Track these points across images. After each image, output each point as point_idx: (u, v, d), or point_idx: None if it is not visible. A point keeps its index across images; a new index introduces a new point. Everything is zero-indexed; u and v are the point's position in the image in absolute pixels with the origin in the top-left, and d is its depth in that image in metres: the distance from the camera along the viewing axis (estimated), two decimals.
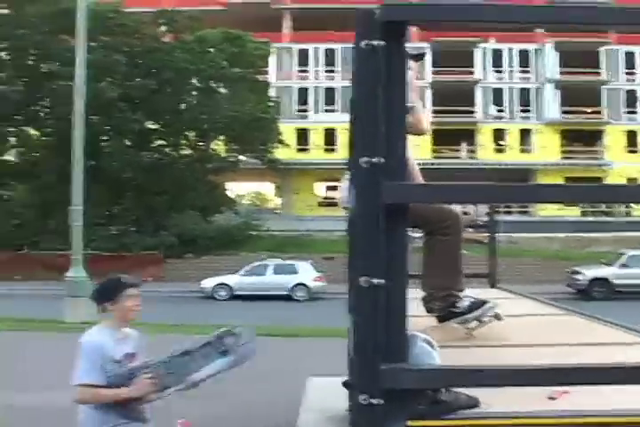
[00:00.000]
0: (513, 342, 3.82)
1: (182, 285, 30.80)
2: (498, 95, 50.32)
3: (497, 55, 50.46)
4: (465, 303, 3.98)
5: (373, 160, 2.12)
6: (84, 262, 20.53)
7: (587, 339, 3.96)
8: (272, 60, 49.64)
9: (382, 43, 2.15)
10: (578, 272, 29.53)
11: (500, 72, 50.86)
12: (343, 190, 4.21)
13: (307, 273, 29.12)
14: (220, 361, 4.21)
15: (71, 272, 19.94)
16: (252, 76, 40.19)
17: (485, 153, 50.24)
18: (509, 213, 46.05)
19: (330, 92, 50.14)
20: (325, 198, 52.13)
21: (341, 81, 49.63)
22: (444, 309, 4.01)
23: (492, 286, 7.69)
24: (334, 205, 51.07)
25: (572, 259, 34.00)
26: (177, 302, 27.41)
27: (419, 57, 4.33)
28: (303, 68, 51.64)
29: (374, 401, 2.10)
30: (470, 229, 29.39)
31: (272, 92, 47.92)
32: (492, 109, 50.81)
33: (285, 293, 28.24)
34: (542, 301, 6.16)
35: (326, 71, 51.21)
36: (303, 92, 51.02)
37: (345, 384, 3.07)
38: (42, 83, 35.98)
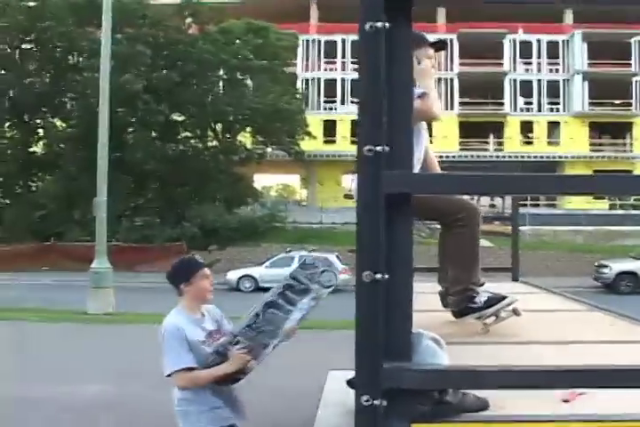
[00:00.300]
0: (530, 339, 3.69)
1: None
2: (526, 87, 49.85)
3: (525, 46, 49.95)
4: (482, 298, 3.86)
5: (377, 149, 2.00)
6: (108, 254, 20.56)
7: (609, 336, 3.83)
8: (299, 51, 49.60)
9: (387, 25, 2.03)
10: (605, 266, 29.21)
11: (529, 64, 50.40)
12: (354, 182, 4.09)
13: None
14: (305, 300, 4.07)
15: (95, 263, 19.99)
16: (278, 67, 40.08)
17: (513, 145, 49.86)
18: (537, 205, 45.80)
19: (356, 84, 49.85)
20: (351, 191, 52.02)
21: None
22: (461, 303, 3.89)
23: (515, 279, 7.52)
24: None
25: (599, 252, 33.65)
26: None
27: (439, 45, 4.19)
28: (330, 60, 51.41)
29: (376, 402, 2.00)
30: (497, 222, 28.86)
31: (298, 84, 48.00)
32: (521, 101, 50.39)
33: None
34: (565, 295, 6.01)
35: (353, 63, 50.97)
36: (330, 84, 50.80)
37: (349, 383, 2.98)
38: (67, 75, 36.14)
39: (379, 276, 2.00)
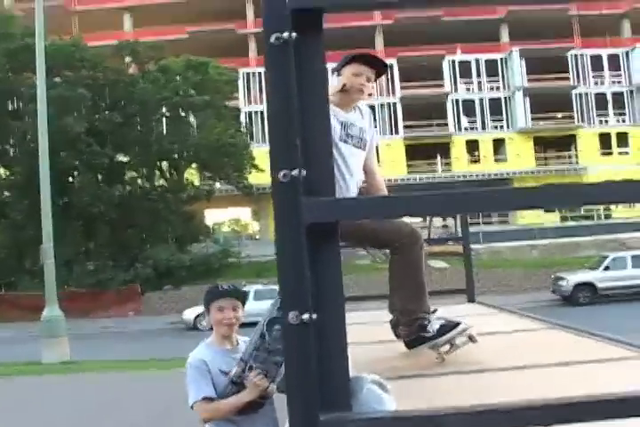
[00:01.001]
0: (491, 366, 3.47)
1: (162, 317, 30.41)
2: (468, 106, 50.30)
3: (464, 66, 50.46)
4: (435, 326, 3.64)
5: (292, 173, 1.78)
6: (60, 301, 20.09)
7: (569, 356, 3.63)
8: (240, 85, 49.59)
9: (294, 35, 1.82)
10: (562, 278, 29.28)
11: (470, 83, 50.89)
12: None
13: None
14: None
15: (46, 311, 19.52)
16: (219, 102, 39.93)
17: (460, 165, 50.18)
18: (489, 223, 46.05)
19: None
20: None
21: None
22: (412, 333, 3.68)
23: (471, 300, 7.31)
24: None
25: (556, 265, 33.79)
26: (160, 335, 27.02)
27: (363, 58, 4.04)
28: None
29: None
30: (450, 242, 28.92)
31: (242, 118, 47.92)
32: (464, 121, 50.81)
33: None
34: (522, 314, 5.82)
35: None
36: None
37: None
38: (7, 121, 35.53)
39: (306, 316, 1.77)
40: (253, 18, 54.01)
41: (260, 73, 50.80)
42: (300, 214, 1.77)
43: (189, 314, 28.66)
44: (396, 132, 50.04)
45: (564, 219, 45.47)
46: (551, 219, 43.46)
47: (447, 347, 3.63)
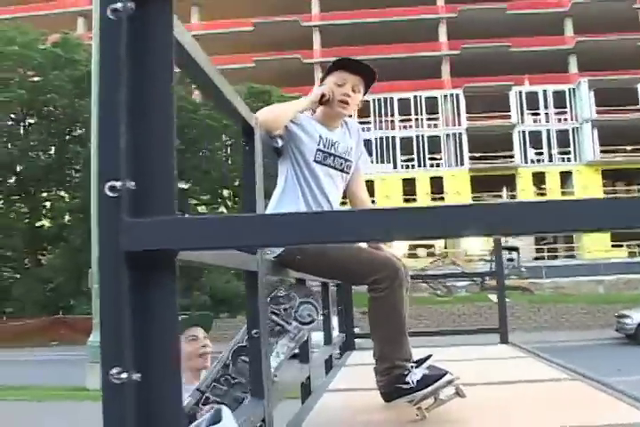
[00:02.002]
0: None
1: (216, 345, 29.99)
2: (535, 138, 49.29)
3: (532, 97, 49.55)
4: (415, 377, 3.12)
5: (117, 185, 1.33)
6: None
7: (575, 418, 3.07)
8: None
9: (132, 5, 1.39)
10: (626, 316, 28.03)
11: (537, 114, 49.94)
12: None
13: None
14: (282, 343, 3.33)
15: (92, 336, 19.39)
16: None
17: (526, 197, 49.08)
18: (555, 257, 44.89)
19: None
20: None
21: (375, 132, 49.35)
22: (389, 384, 3.16)
23: (504, 341, 6.71)
24: None
25: (621, 302, 32.53)
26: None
27: (343, 63, 3.60)
28: None
29: None
30: (513, 277, 28.34)
31: None
32: (531, 153, 49.81)
33: None
34: (551, 360, 5.19)
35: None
36: None
37: None
38: (71, 146, 35.94)
39: (124, 375, 1.31)
40: (320, 47, 54.11)
41: None
42: (118, 240, 1.31)
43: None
44: (462, 163, 49.35)
45: (631, 254, 44.02)
46: (619, 254, 42.11)
47: (430, 401, 3.11)
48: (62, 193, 39.06)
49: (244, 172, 2.82)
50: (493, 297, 33.40)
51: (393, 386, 3.13)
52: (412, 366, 3.17)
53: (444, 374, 3.12)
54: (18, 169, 38.09)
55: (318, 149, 3.50)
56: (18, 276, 38.83)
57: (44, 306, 35.65)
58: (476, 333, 7.27)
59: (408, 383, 3.09)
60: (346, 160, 3.62)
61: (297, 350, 4.10)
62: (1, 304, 38.23)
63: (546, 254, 44.22)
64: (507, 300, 26.13)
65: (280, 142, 3.47)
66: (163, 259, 1.38)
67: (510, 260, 39.56)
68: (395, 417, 3.15)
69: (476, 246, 46.64)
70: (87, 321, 29.49)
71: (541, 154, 49.60)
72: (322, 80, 3.64)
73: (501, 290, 6.91)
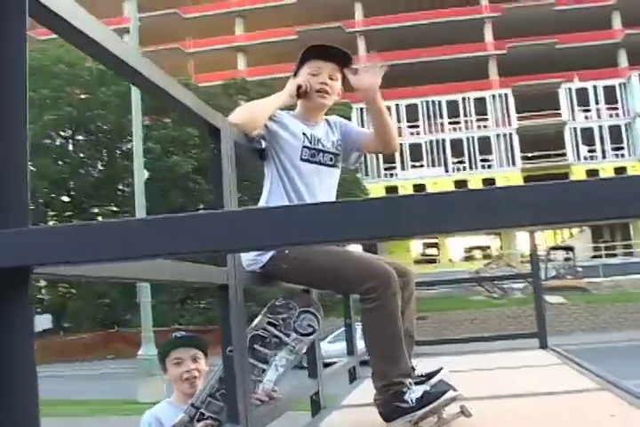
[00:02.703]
0: None
1: None
2: (587, 135, 48.38)
3: (582, 94, 48.68)
4: (415, 394, 2.84)
5: None
6: (158, 339, 20.02)
7: None
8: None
9: None
10: None
11: (588, 111, 49.04)
12: None
13: None
14: (281, 356, 3.13)
15: (142, 350, 19.49)
16: None
17: None
18: (613, 255, 43.97)
19: (415, 148, 49.34)
20: (423, 255, 51.19)
21: (425, 136, 48.97)
22: (387, 403, 2.90)
23: (543, 346, 6.36)
24: (432, 262, 50.00)
25: None
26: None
27: (341, 58, 3.36)
28: None
29: None
30: (570, 276, 27.84)
31: None
32: (584, 150, 48.91)
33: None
34: (588, 368, 4.84)
35: (409, 127, 50.42)
36: None
37: None
38: (119, 161, 36.30)
39: None
40: (365, 52, 53.85)
41: None
42: None
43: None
44: (513, 163, 48.69)
45: None
46: None
47: (433, 420, 2.84)
48: (113, 208, 39.44)
49: (211, 176, 2.63)
50: (550, 298, 32.82)
51: (391, 405, 2.87)
52: (410, 383, 2.90)
53: (446, 391, 2.85)
54: (69, 185, 38.57)
55: (304, 147, 3.26)
56: (73, 291, 39.25)
57: (99, 320, 36.01)
58: (515, 338, 6.94)
59: (407, 402, 2.83)
60: (335, 154, 3.37)
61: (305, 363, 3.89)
62: (58, 320, 38.75)
63: (603, 253, 43.31)
64: (564, 301, 25.69)
65: (263, 144, 3.25)
66: (14, 277, 1.16)
67: (567, 259, 38.89)
68: None
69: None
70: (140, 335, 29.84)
71: (594, 151, 48.68)
72: (295, 74, 3.38)
73: (538, 293, 6.58)
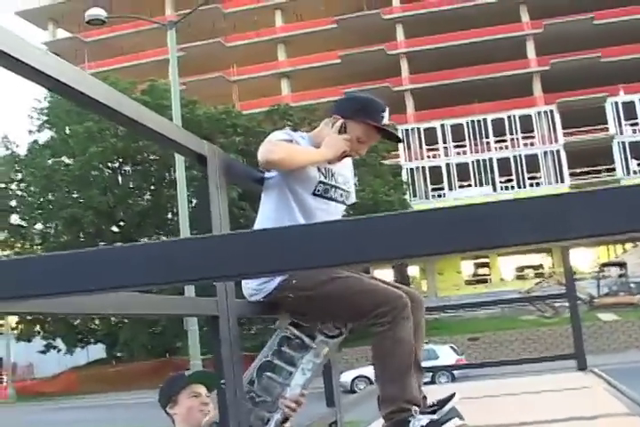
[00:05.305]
0: None
1: (317, 380, 29.84)
2: (636, 149, 47.64)
3: (628, 107, 48.01)
4: (420, 422, 2.76)
5: None
6: (207, 367, 20.05)
7: None
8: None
9: None
10: None
11: (635, 124, 48.32)
12: None
13: (448, 357, 27.47)
14: (307, 358, 3.07)
15: None
16: (374, 160, 39.67)
17: None
18: None
19: (462, 167, 49.10)
20: (474, 275, 50.85)
21: (471, 155, 48.73)
22: None
23: (582, 368, 6.17)
24: (484, 282, 49.54)
25: None
26: (319, 398, 26.39)
27: (390, 135, 3.39)
28: (432, 147, 50.65)
29: None
30: (622, 293, 27.52)
31: (404, 174, 47.68)
32: (633, 164, 48.16)
33: (427, 380, 26.58)
34: (628, 394, 4.61)
35: (455, 147, 50.22)
36: (435, 171, 49.97)
37: None
38: (166, 190, 36.66)
39: None
40: (408, 74, 53.93)
41: (418, 128, 50.43)
42: None
43: (347, 377, 27.95)
44: (562, 180, 48.10)
45: None
46: None
47: None
48: (163, 237, 39.79)
49: (200, 204, 2.59)
50: (603, 316, 32.26)
51: None
52: (416, 411, 2.82)
53: (452, 419, 2.76)
54: (118, 216, 39.04)
55: (320, 182, 3.18)
56: (125, 320, 39.55)
57: (151, 349, 36.22)
58: (552, 360, 6.75)
59: None
60: (346, 191, 3.31)
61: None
62: (111, 349, 39.08)
63: None
64: (617, 318, 25.26)
65: (272, 172, 3.18)
66: None
67: (621, 275, 38.26)
68: None
69: (585, 264, 45.31)
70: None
71: None
72: (347, 116, 3.25)
73: (574, 312, 6.37)
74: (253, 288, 3.11)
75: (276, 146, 3.03)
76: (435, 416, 2.79)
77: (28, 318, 39.53)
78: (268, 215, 3.19)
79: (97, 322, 40.57)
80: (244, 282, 3.15)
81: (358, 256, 0.94)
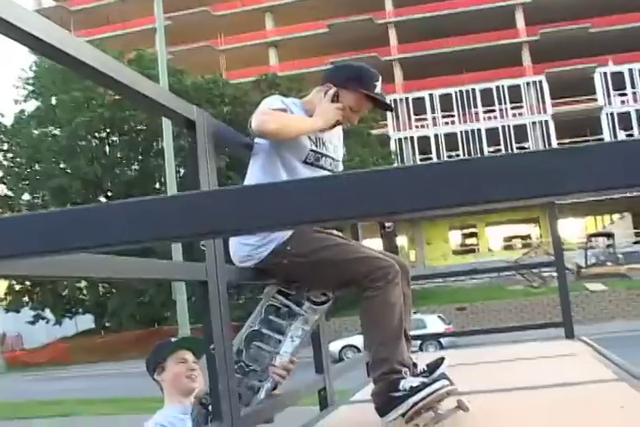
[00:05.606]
0: None
1: (306, 350, 30.05)
2: (625, 119, 47.64)
3: (617, 78, 47.91)
4: (411, 384, 2.76)
5: None
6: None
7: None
8: (388, 112, 49.03)
9: None
10: None
11: (624, 95, 48.27)
12: (231, 245, 3.18)
13: (436, 327, 27.66)
14: (296, 326, 3.10)
15: None
16: (363, 129, 39.56)
17: None
18: None
19: (450, 137, 49.04)
20: (462, 245, 51.09)
21: (459, 125, 48.67)
22: (382, 394, 2.82)
23: (569, 336, 6.19)
24: (471, 251, 49.73)
25: None
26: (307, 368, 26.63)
27: (382, 105, 3.36)
28: (420, 117, 50.51)
29: None
30: (609, 263, 27.80)
31: (392, 145, 47.61)
32: (622, 135, 48.20)
33: (415, 349, 26.74)
34: (615, 361, 4.64)
35: (444, 117, 50.11)
36: (423, 141, 49.88)
37: None
38: (153, 160, 36.53)
39: None
40: (396, 43, 53.63)
41: (406, 98, 50.27)
42: None
43: (335, 346, 28.12)
44: None
45: None
46: None
47: (429, 416, 2.75)
48: None
49: (188, 170, 2.58)
50: (590, 286, 32.49)
51: (386, 396, 2.78)
52: (406, 372, 2.83)
53: (436, 381, 2.76)
54: (106, 186, 38.92)
55: (311, 150, 3.17)
56: (113, 290, 39.61)
57: (139, 319, 36.27)
58: (540, 328, 6.79)
59: (400, 391, 2.75)
60: (334, 160, 3.30)
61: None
62: (99, 319, 39.14)
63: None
64: (604, 288, 25.42)
65: (262, 139, 3.15)
66: None
67: (608, 246, 38.54)
68: None
69: (573, 234, 45.58)
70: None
71: (632, 135, 47.84)
72: (340, 85, 3.22)
73: (562, 280, 6.39)
74: (246, 255, 3.11)
75: (271, 115, 3.00)
76: (425, 380, 2.79)
77: (17, 288, 39.57)
78: (255, 181, 3.17)
79: (85, 292, 40.59)
80: (234, 249, 3.15)
81: (347, 212, 0.92)
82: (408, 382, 2.77)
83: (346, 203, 0.91)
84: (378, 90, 3.21)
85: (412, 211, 0.93)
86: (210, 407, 2.82)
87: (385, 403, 2.79)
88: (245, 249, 3.11)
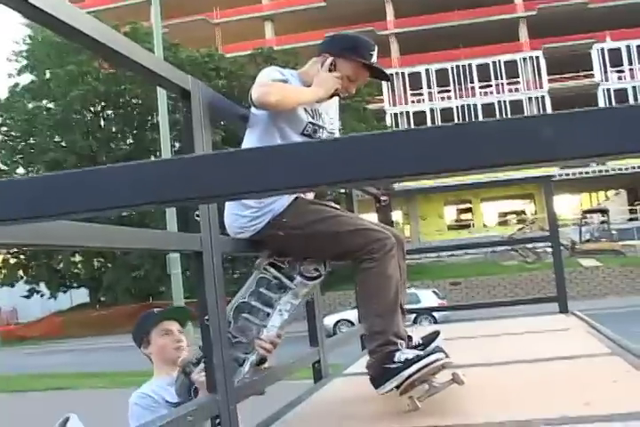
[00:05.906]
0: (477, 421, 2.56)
1: (300, 324, 30.15)
2: (621, 96, 47.51)
3: (615, 54, 47.79)
4: (406, 355, 2.76)
5: None
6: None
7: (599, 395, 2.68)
8: (384, 86, 48.82)
9: None
10: None
11: (621, 71, 48.16)
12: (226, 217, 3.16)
13: (430, 301, 27.77)
14: (285, 299, 3.07)
15: None
16: (359, 104, 39.44)
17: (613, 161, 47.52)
18: None
19: (446, 113, 48.92)
20: (457, 221, 51.17)
21: (456, 100, 48.55)
22: (377, 366, 2.82)
23: (563, 310, 6.21)
24: (466, 227, 49.80)
25: None
26: (303, 342, 26.71)
27: (379, 74, 3.30)
28: (416, 92, 50.39)
29: None
30: (604, 239, 27.83)
31: (387, 119, 47.46)
32: None
33: (409, 323, 26.87)
34: (607, 335, 4.65)
35: (440, 92, 49.98)
36: (419, 116, 49.79)
37: None
38: (148, 134, 36.38)
39: None
40: (393, 17, 53.32)
41: (402, 73, 50.07)
42: None
43: (329, 320, 28.20)
44: None
45: None
46: None
47: (423, 389, 2.75)
48: None
49: (183, 141, 2.56)
50: (584, 262, 32.59)
51: (381, 367, 2.78)
52: (401, 344, 2.83)
53: (431, 354, 2.76)
54: (101, 160, 38.76)
55: (310, 122, 3.14)
56: (109, 265, 39.61)
57: (134, 293, 36.30)
58: (534, 302, 6.82)
59: (395, 362, 2.75)
60: (330, 132, 3.28)
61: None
62: (94, 293, 39.19)
63: (639, 215, 42.82)
64: (598, 264, 25.50)
65: (253, 109, 3.12)
66: None
67: (602, 222, 38.60)
68: (386, 408, 2.82)
69: (568, 211, 45.67)
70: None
71: None
72: (336, 55, 3.20)
73: (557, 255, 6.40)
74: (241, 226, 3.10)
75: (272, 87, 2.98)
76: (421, 352, 2.79)
77: (12, 262, 39.54)
78: None
79: (80, 266, 40.58)
80: (230, 220, 3.14)
81: (345, 175, 0.91)
82: (403, 354, 2.77)
83: (344, 166, 0.89)
84: (374, 59, 3.20)
85: (413, 174, 0.91)
86: (192, 376, 2.82)
87: (380, 375, 2.79)
88: (241, 221, 3.10)
